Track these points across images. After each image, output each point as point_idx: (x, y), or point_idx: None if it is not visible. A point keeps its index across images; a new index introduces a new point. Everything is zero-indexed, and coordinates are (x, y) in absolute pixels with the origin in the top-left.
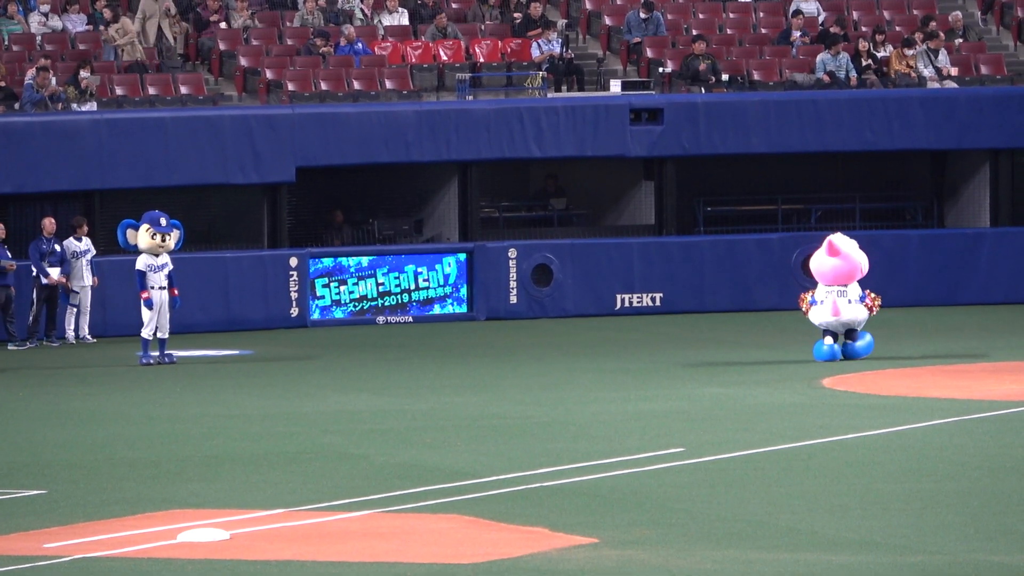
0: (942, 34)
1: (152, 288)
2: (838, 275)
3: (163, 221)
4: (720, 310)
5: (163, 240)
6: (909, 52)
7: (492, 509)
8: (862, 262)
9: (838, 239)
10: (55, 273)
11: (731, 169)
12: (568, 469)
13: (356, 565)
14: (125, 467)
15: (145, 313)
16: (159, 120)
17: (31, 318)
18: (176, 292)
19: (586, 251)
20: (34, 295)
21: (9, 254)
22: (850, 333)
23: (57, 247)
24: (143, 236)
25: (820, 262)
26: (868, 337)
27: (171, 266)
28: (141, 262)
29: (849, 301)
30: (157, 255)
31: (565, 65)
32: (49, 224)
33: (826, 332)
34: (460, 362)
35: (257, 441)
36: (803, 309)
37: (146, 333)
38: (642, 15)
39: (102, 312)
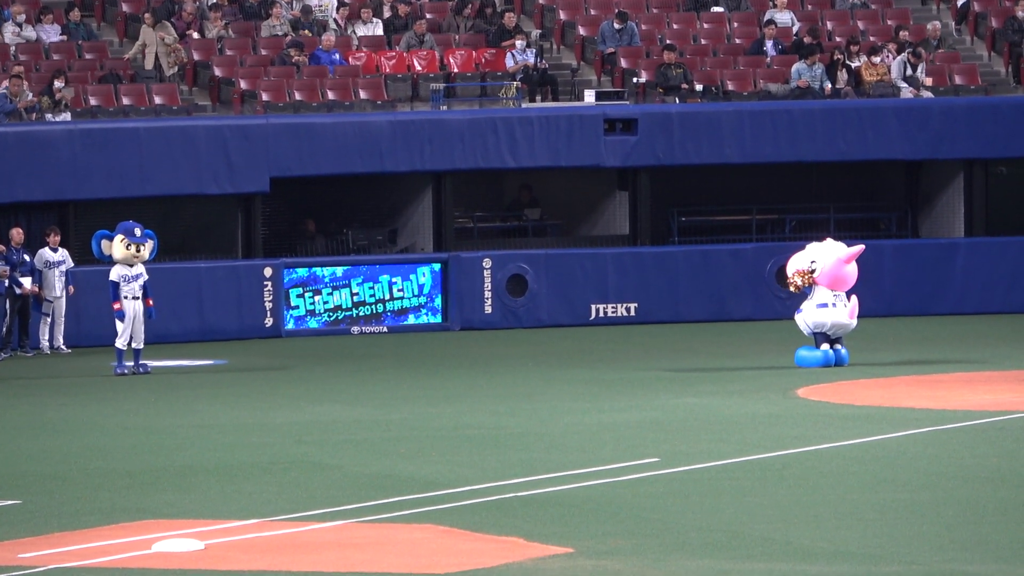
0: (921, 49)
1: (125, 298)
2: (849, 281)
3: (138, 231)
4: (694, 320)
5: (138, 250)
6: (876, 60)
7: (467, 519)
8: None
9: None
10: (27, 283)
11: (705, 179)
12: (543, 479)
13: (331, 575)
14: (99, 477)
15: (118, 324)
16: (133, 131)
17: (4, 329)
18: (151, 302)
19: (560, 261)
20: (6, 305)
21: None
22: (835, 339)
23: (27, 257)
24: (118, 247)
25: (837, 268)
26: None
27: (146, 276)
28: (115, 273)
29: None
30: (131, 265)
31: (539, 75)
32: (17, 234)
33: (818, 337)
34: (434, 372)
35: (231, 451)
36: (800, 282)
37: (120, 343)
38: (616, 25)
39: (77, 322)
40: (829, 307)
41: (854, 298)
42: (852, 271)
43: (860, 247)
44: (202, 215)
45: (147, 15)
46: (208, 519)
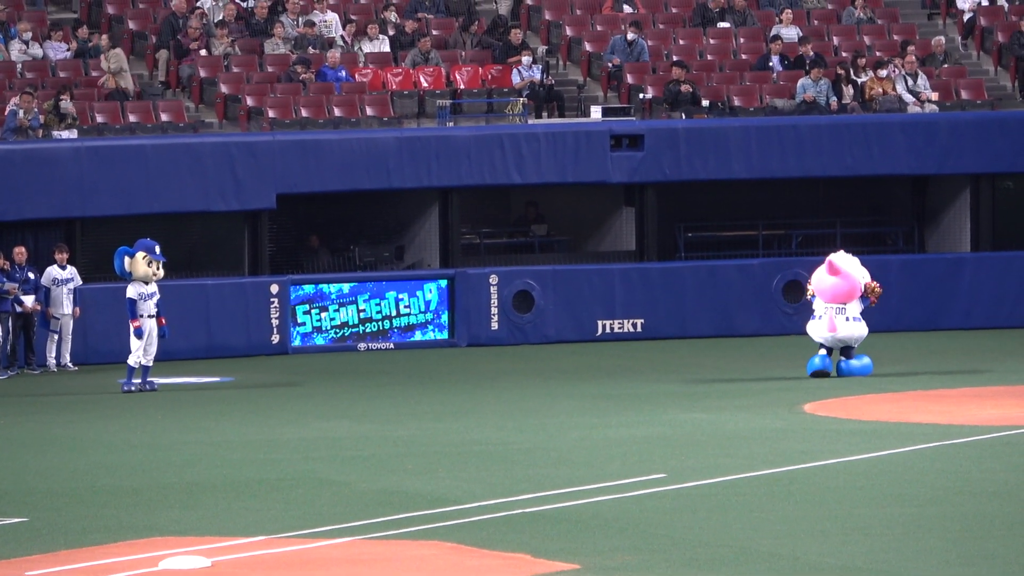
0: (914, 58)
1: (142, 316)
2: (837, 294)
3: (157, 249)
4: (701, 336)
5: (157, 268)
6: (883, 74)
7: (474, 535)
8: (863, 277)
9: (838, 258)
10: (29, 301)
11: (712, 195)
12: (550, 495)
13: None
14: (106, 495)
15: (134, 341)
16: (140, 147)
17: (8, 347)
18: (164, 322)
19: (567, 277)
20: (10, 323)
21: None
22: (846, 351)
23: (31, 275)
24: (139, 264)
25: (820, 280)
26: (867, 359)
27: (159, 295)
28: (132, 290)
29: (847, 319)
30: (148, 283)
31: (546, 91)
32: (18, 254)
33: (821, 345)
34: (441, 388)
35: (238, 468)
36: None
37: (133, 360)
38: (630, 36)
39: (84, 340)
40: (816, 319)
41: (829, 312)
42: (844, 280)
43: (829, 257)
44: (209, 232)
45: (104, 37)
46: (215, 536)
